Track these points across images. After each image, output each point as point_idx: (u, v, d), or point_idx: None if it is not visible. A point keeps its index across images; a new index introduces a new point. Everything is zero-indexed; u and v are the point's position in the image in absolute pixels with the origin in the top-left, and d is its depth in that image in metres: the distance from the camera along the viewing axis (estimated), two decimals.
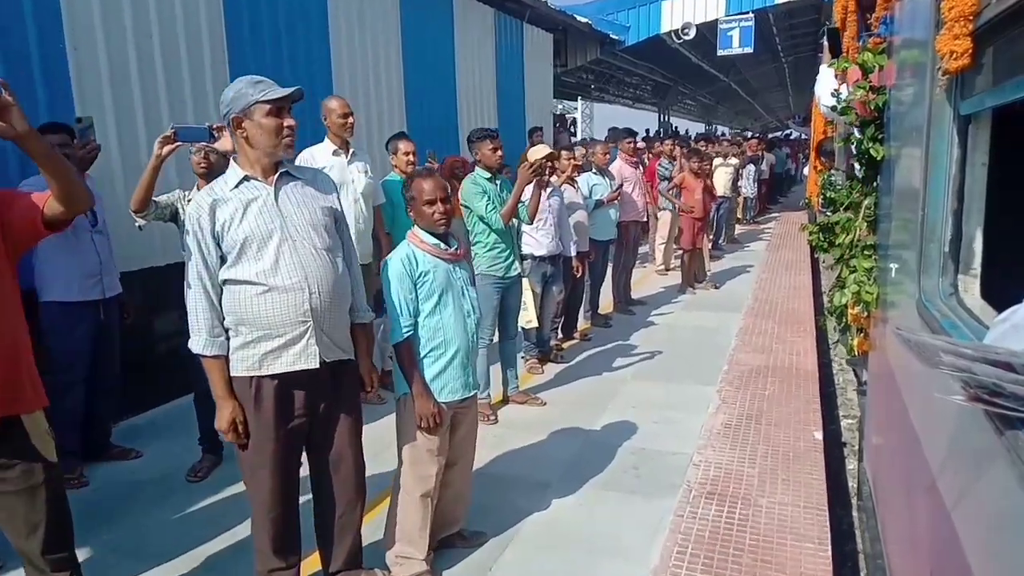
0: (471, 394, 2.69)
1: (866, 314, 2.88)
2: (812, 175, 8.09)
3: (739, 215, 13.43)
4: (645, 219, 7.66)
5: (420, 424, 2.51)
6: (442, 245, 2.61)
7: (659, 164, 9.37)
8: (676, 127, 24.69)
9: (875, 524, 2.65)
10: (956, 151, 1.63)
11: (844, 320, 3.24)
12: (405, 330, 2.51)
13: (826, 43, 3.99)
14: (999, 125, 1.63)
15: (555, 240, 5.07)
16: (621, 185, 6.51)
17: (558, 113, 17.24)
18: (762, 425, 4.20)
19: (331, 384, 2.36)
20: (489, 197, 4.16)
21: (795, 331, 6.39)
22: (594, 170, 6.45)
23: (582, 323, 6.64)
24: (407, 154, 4.82)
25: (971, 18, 1.32)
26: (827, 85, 3.70)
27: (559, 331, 6.08)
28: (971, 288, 1.64)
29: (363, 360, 2.52)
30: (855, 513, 4.06)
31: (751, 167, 13.30)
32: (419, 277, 2.52)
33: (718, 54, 14.64)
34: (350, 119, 4.31)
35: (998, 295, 1.54)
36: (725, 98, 30.25)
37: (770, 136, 22.25)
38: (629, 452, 3.90)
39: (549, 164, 4.90)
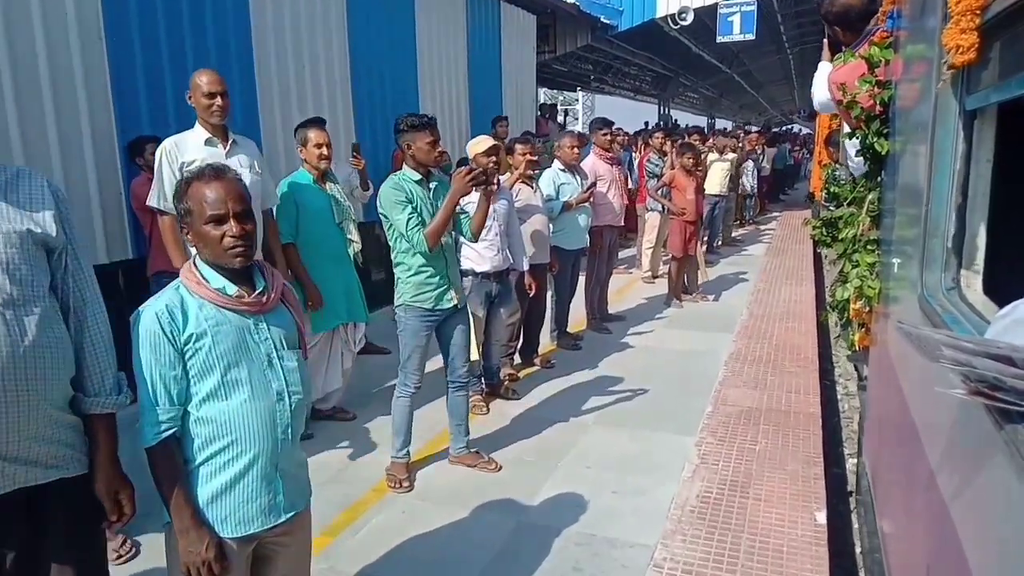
0: (288, 516, 1.82)
1: (868, 309, 2.88)
2: (816, 170, 7.82)
3: (738, 215, 12.82)
4: (623, 223, 6.89)
5: (186, 573, 1.64)
6: (232, 289, 1.70)
7: (648, 160, 8.48)
8: (676, 120, 24.36)
9: (873, 519, 2.65)
10: (961, 146, 1.63)
11: (846, 315, 3.25)
12: (163, 427, 1.62)
13: (825, 40, 3.97)
14: (1005, 121, 1.62)
15: (501, 253, 4.28)
16: (593, 184, 5.66)
17: (549, 103, 16.68)
18: (749, 499, 3.38)
19: (26, 525, 1.52)
20: (415, 208, 3.29)
21: (794, 359, 5.52)
22: (561, 167, 5.56)
23: (547, 345, 5.80)
24: (319, 146, 4.03)
25: (979, 12, 1.32)
26: (822, 82, 3.70)
27: (516, 357, 5.30)
28: (973, 284, 1.64)
29: (102, 471, 1.65)
30: (852, 508, 4.08)
31: (750, 163, 12.70)
32: (189, 342, 1.63)
33: (717, 41, 13.78)
34: (218, 100, 3.41)
35: (1001, 291, 1.54)
36: (728, 91, 29.98)
37: (772, 131, 21.89)
38: (573, 541, 3.06)
39: (493, 163, 4.09)
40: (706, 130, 17.19)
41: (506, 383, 4.93)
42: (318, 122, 4.20)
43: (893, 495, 2.16)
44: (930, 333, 1.08)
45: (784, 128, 31.23)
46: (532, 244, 4.93)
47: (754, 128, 19.61)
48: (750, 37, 13.29)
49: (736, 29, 13.22)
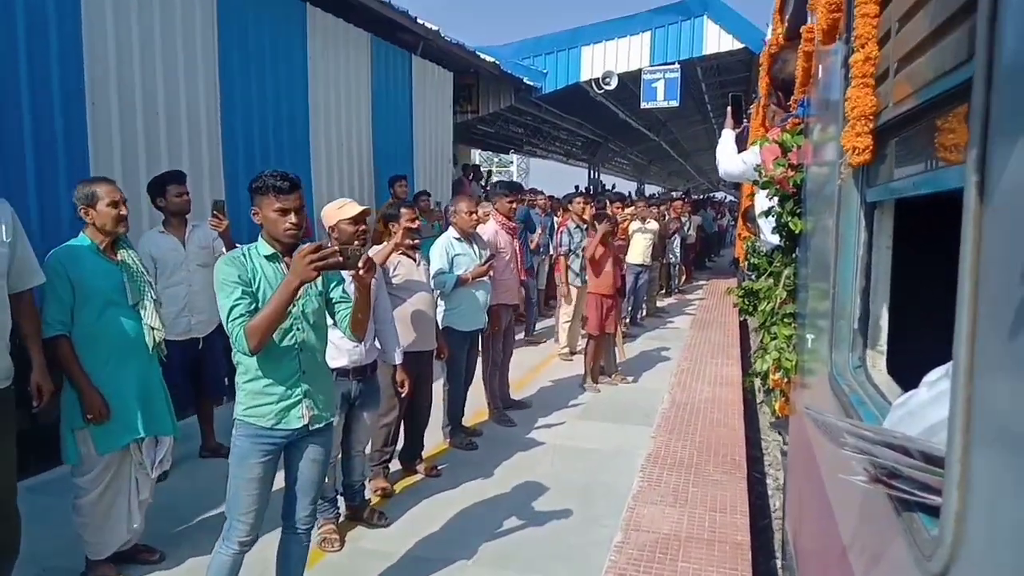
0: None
1: (786, 380, 2.99)
2: (739, 240, 8.09)
3: (664, 283, 12.67)
4: (518, 302, 6.25)
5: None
6: None
7: (566, 227, 7.56)
8: (606, 186, 24.94)
9: None
10: (863, 234, 1.74)
11: (767, 384, 3.36)
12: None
13: (729, 109, 4.23)
14: (904, 206, 1.75)
15: (362, 345, 3.47)
16: (493, 256, 5.09)
17: (474, 164, 16.72)
18: None
19: None
20: (253, 292, 2.53)
21: (720, 462, 4.91)
22: (456, 235, 4.91)
23: (438, 444, 5.06)
24: (114, 204, 3.22)
25: (872, 117, 1.44)
26: (727, 150, 3.92)
27: (391, 464, 4.41)
28: (878, 363, 1.73)
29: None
30: (780, 571, 4.14)
31: (676, 238, 12.72)
32: None
33: (641, 106, 13.70)
34: None
35: (906, 369, 1.64)
36: (657, 158, 31.19)
37: (694, 197, 22.62)
38: None
39: (361, 234, 3.42)
40: (635, 195, 17.54)
41: (372, 505, 4.04)
42: (106, 181, 3.33)
43: (811, 565, 2.21)
44: (834, 421, 1.14)
45: (707, 195, 32.57)
46: (413, 329, 4.24)
47: (677, 194, 20.10)
48: (674, 104, 13.32)
49: (660, 95, 13.26)
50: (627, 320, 9.36)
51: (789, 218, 2.92)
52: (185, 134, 5.86)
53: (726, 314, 10.90)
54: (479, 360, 5.53)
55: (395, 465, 4.57)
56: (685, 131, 24.35)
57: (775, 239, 3.14)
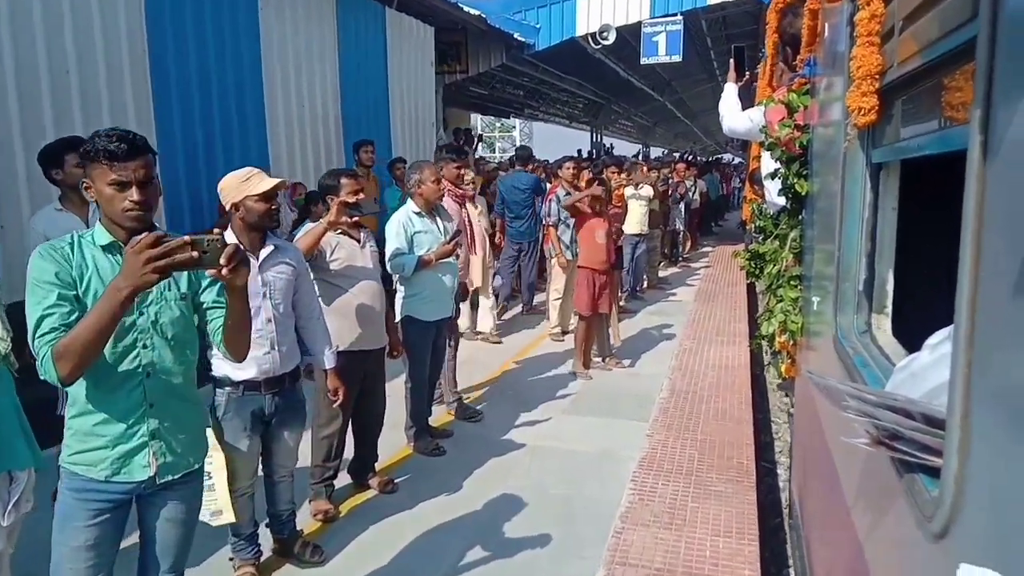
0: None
1: (792, 342, 2.99)
2: (746, 203, 7.89)
3: (668, 251, 11.88)
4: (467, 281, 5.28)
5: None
6: None
7: (555, 195, 6.71)
8: (611, 146, 24.32)
9: (801, 546, 2.74)
10: (869, 196, 1.73)
11: (773, 346, 3.36)
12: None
13: (732, 61, 4.16)
14: (909, 168, 1.73)
15: (277, 348, 2.85)
16: (459, 233, 4.42)
17: (465, 127, 15.76)
18: None
19: None
20: (75, 297, 1.86)
21: (725, 469, 4.10)
22: (416, 209, 4.21)
23: (398, 451, 4.40)
24: None
25: (877, 77, 1.41)
26: (731, 105, 3.87)
27: (336, 480, 3.75)
28: (883, 326, 1.73)
29: None
30: (787, 531, 4.19)
31: (681, 203, 11.90)
32: None
33: (641, 62, 12.68)
34: None
35: (911, 332, 1.64)
36: (663, 119, 30.60)
37: (699, 160, 21.64)
38: None
39: (269, 214, 2.82)
40: (640, 158, 16.81)
41: (305, 536, 3.32)
42: None
43: (816, 525, 2.24)
44: (836, 384, 1.14)
45: (714, 157, 31.94)
46: (357, 324, 3.55)
47: (678, 156, 19.15)
48: (676, 58, 12.28)
49: (661, 50, 12.19)
50: (626, 293, 8.85)
51: (795, 180, 2.89)
52: (105, 99, 5.05)
53: (733, 283, 10.28)
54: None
55: (344, 479, 3.89)
56: (690, 90, 23.45)
57: (780, 201, 3.12)
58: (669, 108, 25.31)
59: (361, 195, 3.57)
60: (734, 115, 3.80)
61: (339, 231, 3.50)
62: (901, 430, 0.99)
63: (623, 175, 8.31)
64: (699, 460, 4.28)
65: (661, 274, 10.86)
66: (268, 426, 2.94)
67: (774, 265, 3.20)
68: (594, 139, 25.02)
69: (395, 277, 4.23)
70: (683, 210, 12.14)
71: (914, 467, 1.00)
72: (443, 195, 4.47)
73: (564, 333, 7.14)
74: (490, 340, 6.94)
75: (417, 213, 4.20)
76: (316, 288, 3.33)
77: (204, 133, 6.03)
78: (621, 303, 8.07)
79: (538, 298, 8.31)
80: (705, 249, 14.60)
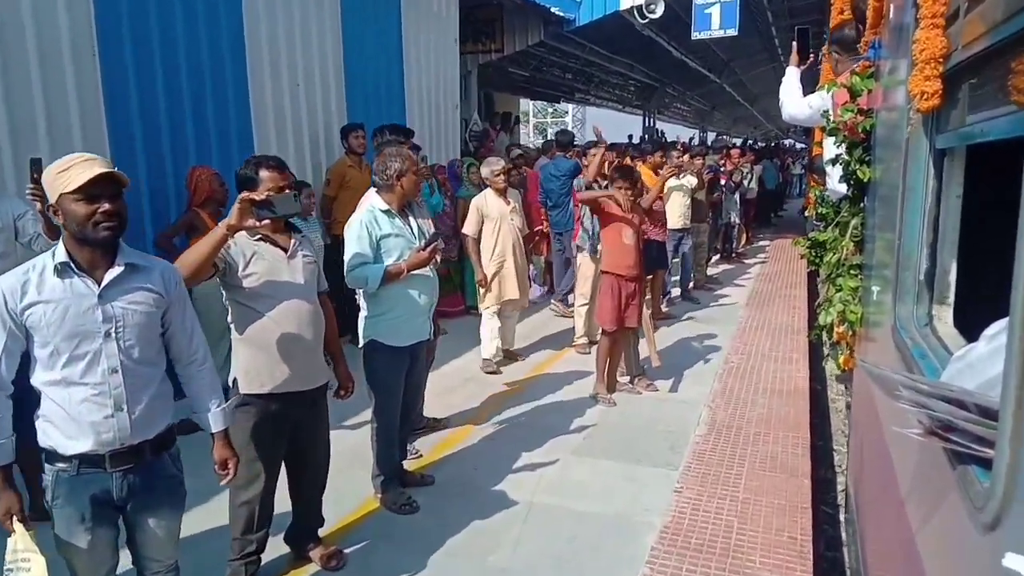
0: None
1: (852, 332, 2.93)
2: (809, 189, 7.56)
3: (720, 246, 10.91)
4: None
5: None
6: None
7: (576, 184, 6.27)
8: (663, 132, 23.11)
9: (856, 538, 2.70)
10: (932, 183, 1.69)
11: (832, 337, 3.30)
12: None
13: (795, 43, 4.02)
14: (975, 156, 1.68)
15: (123, 414, 2.01)
16: (436, 237, 3.42)
17: (503, 112, 14.33)
18: None
19: None
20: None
21: (773, 543, 3.18)
22: (384, 206, 3.34)
23: (365, 501, 3.57)
24: None
25: (941, 60, 1.38)
26: (791, 90, 3.76)
27: (263, 553, 2.92)
28: (944, 316, 1.69)
29: None
30: (843, 525, 4.12)
31: (735, 192, 10.75)
32: None
33: (693, 37, 11.31)
34: None
35: (974, 324, 1.60)
36: (720, 103, 29.59)
37: (758, 145, 20.35)
38: None
39: (103, 216, 1.94)
40: (692, 143, 15.99)
41: None
42: None
43: (870, 518, 2.20)
44: (889, 373, 1.13)
45: (774, 143, 30.58)
46: (279, 359, 2.68)
47: (734, 143, 17.33)
48: (732, 32, 10.92)
49: (715, 23, 10.81)
50: (667, 297, 7.87)
51: (857, 166, 2.82)
52: (35, 70, 4.06)
53: (792, 284, 9.11)
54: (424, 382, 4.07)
55: (280, 548, 3.08)
56: (750, 72, 22.04)
57: (842, 188, 3.05)
58: (727, 91, 23.92)
59: (283, 191, 2.62)
60: (795, 101, 3.70)
61: (257, 237, 2.62)
62: (955, 421, 0.98)
63: (647, 161, 7.50)
64: (739, 531, 3.29)
65: (711, 271, 9.76)
66: (123, 512, 2.12)
67: (834, 253, 3.13)
68: (646, 124, 23.80)
69: (359, 293, 3.42)
70: (738, 200, 11.06)
71: (967, 458, 0.98)
72: (418, 189, 3.56)
73: (591, 344, 6.07)
74: (488, 368, 5.59)
75: (386, 211, 3.29)
76: (230, 312, 2.70)
77: (171, 120, 4.94)
78: (664, 307, 7.36)
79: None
80: (762, 243, 13.37)
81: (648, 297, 6.19)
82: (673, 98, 25.67)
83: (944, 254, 1.68)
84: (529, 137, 12.49)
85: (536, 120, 39.30)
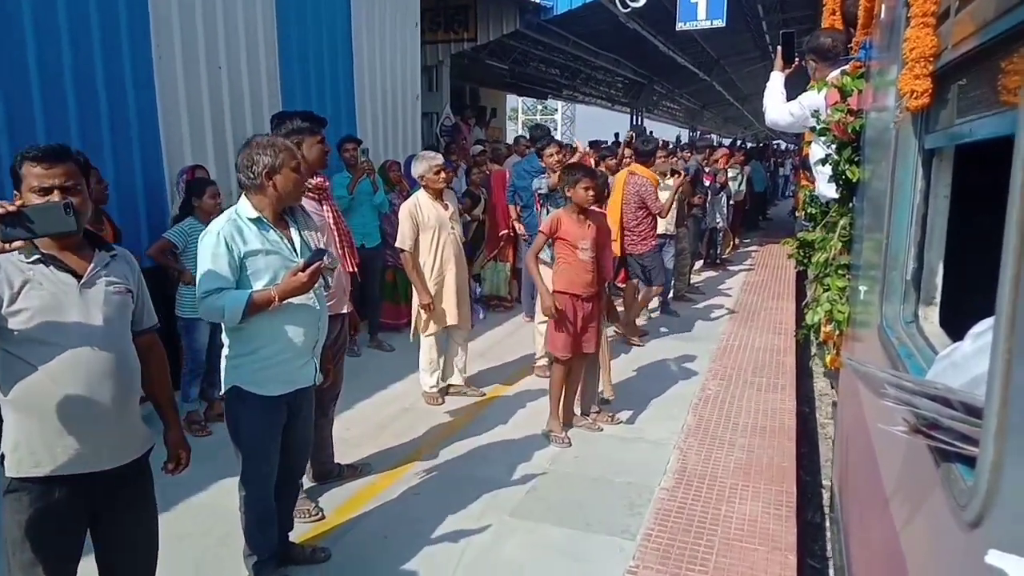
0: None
1: (838, 332, 2.94)
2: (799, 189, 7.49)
3: (703, 251, 10.16)
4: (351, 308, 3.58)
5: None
6: None
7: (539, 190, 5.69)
8: (651, 132, 22.55)
9: (841, 537, 2.71)
10: (920, 183, 1.69)
11: (819, 337, 3.31)
12: None
13: (780, 48, 4.00)
14: (963, 156, 1.68)
15: None
16: (321, 253, 2.62)
17: (478, 105, 13.78)
18: None
19: None
20: None
21: None
22: (251, 213, 2.54)
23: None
24: None
25: (931, 59, 1.38)
26: (774, 95, 3.76)
27: None
28: (931, 316, 1.70)
29: None
30: (827, 523, 4.14)
31: (721, 194, 10.04)
32: None
33: (677, 28, 10.64)
34: None
35: (961, 324, 1.60)
36: (711, 102, 29.33)
37: (746, 145, 19.81)
38: None
39: None
40: (682, 143, 15.22)
41: None
42: None
43: (855, 515, 2.21)
44: (875, 371, 1.13)
45: (765, 143, 30.29)
46: (63, 429, 1.92)
47: (716, 142, 16.22)
48: (719, 23, 10.29)
49: (701, 13, 10.28)
50: (662, 306, 7.37)
51: (846, 166, 2.83)
52: None
53: (779, 294, 8.48)
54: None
55: None
56: (741, 70, 21.42)
57: (830, 190, 3.05)
58: (717, 89, 23.44)
59: (54, 198, 1.84)
60: (777, 107, 3.69)
61: (34, 257, 1.88)
62: (939, 418, 0.98)
63: (606, 161, 7.00)
64: None
65: (694, 279, 9.09)
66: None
67: (822, 253, 3.14)
68: (634, 121, 22.97)
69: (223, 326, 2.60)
70: (724, 203, 10.38)
71: (951, 456, 0.99)
72: (305, 191, 2.88)
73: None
74: (427, 399, 4.80)
75: (256, 220, 2.50)
76: None
77: (45, 101, 4.11)
78: (640, 320, 6.71)
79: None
80: (749, 248, 12.62)
81: (620, 309, 5.92)
82: (662, 96, 25.24)
83: (931, 254, 1.68)
84: (518, 133, 12.12)
85: (525, 117, 39.16)
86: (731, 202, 11.12)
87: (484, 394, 4.96)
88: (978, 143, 1.36)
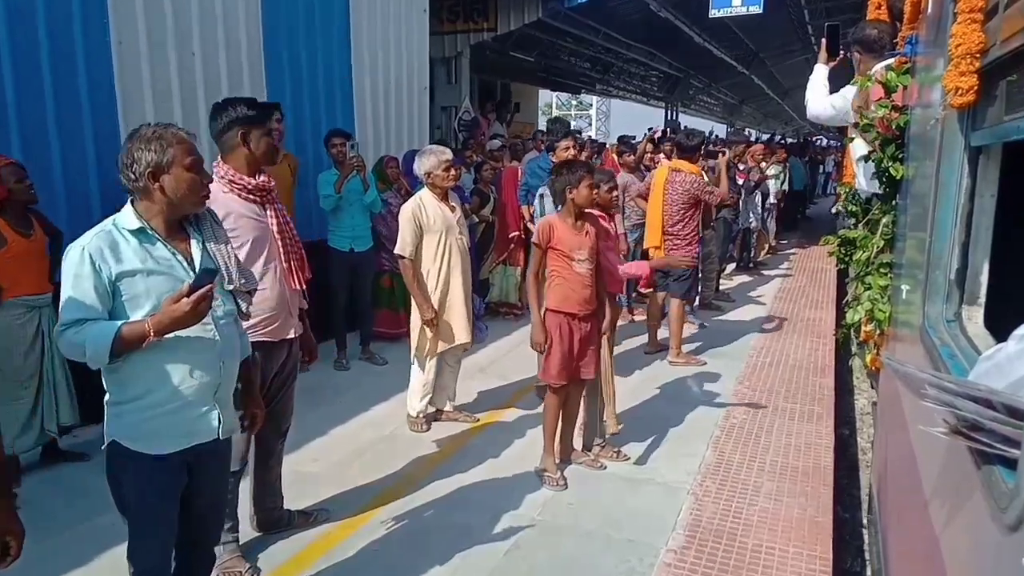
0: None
1: (879, 332, 2.89)
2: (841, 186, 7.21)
3: (734, 254, 9.42)
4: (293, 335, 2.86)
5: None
6: None
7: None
8: (685, 126, 21.11)
9: (879, 540, 2.67)
10: (965, 181, 1.66)
11: (858, 336, 3.26)
12: None
13: (824, 40, 3.92)
14: (1012, 156, 1.65)
15: None
16: (212, 273, 2.05)
17: (496, 99, 13.14)
18: None
19: None
20: None
21: None
22: (133, 224, 1.99)
23: None
24: None
25: (978, 56, 1.35)
26: (818, 89, 3.69)
27: None
28: (974, 316, 1.67)
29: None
30: (864, 528, 4.08)
31: (755, 193, 9.36)
32: None
33: (711, 15, 10.12)
34: None
35: (1006, 324, 1.57)
36: (750, 96, 28.59)
37: (786, 142, 18.12)
38: None
39: None
40: (723, 137, 14.51)
41: None
42: None
43: (894, 518, 2.18)
44: (915, 371, 1.12)
45: (806, 139, 29.24)
46: None
47: (754, 137, 15.40)
48: (756, 10, 9.75)
49: (737, 1, 9.78)
50: (692, 310, 6.58)
51: (890, 163, 2.78)
52: None
53: (817, 302, 7.70)
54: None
55: None
56: (781, 63, 20.43)
57: (872, 186, 3.01)
58: (757, 84, 22.42)
59: None
60: (819, 100, 3.63)
61: None
62: (981, 420, 0.98)
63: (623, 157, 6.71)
64: None
65: (725, 284, 8.38)
66: None
67: (863, 252, 3.10)
68: (669, 116, 22.24)
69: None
70: (759, 204, 9.61)
71: (992, 458, 0.98)
72: (205, 197, 2.10)
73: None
74: (411, 425, 4.26)
75: (138, 231, 1.97)
76: None
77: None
78: (662, 330, 5.93)
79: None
80: (788, 251, 11.64)
81: (645, 319, 5.74)
82: (699, 90, 24.46)
83: (976, 254, 1.65)
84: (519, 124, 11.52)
85: (560, 112, 39.00)
86: (770, 202, 10.40)
87: (477, 420, 4.37)
88: None
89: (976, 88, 1.37)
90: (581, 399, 3.81)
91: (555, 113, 38.55)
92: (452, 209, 4.09)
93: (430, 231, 3.97)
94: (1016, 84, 1.36)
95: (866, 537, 3.92)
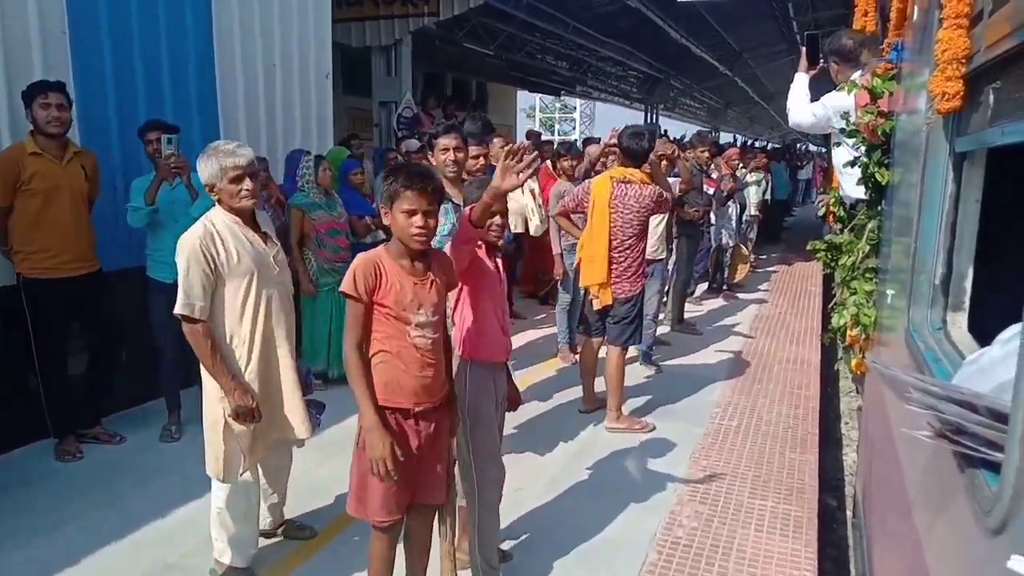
0: None
1: (864, 336, 2.91)
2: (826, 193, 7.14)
3: (707, 271, 8.25)
4: None
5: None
6: None
7: (554, 190, 5.44)
8: (664, 130, 18.66)
9: (863, 544, 2.68)
10: (950, 187, 1.67)
11: (844, 340, 3.28)
12: None
13: (804, 49, 3.95)
14: (995, 161, 1.66)
15: None
16: None
17: (447, 96, 12.30)
18: None
19: None
20: None
21: None
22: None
23: None
24: None
25: (964, 61, 1.36)
26: (798, 97, 3.71)
27: None
28: (958, 321, 1.68)
29: None
30: (849, 531, 4.09)
31: (729, 205, 8.01)
32: None
33: None
34: None
35: (990, 329, 1.58)
36: (734, 100, 28.06)
37: (768, 147, 17.49)
38: None
39: None
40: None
41: None
42: None
43: (877, 521, 2.19)
44: (901, 374, 1.13)
45: (790, 145, 28.45)
46: None
47: (721, 141, 14.07)
48: None
49: None
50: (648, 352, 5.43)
51: (876, 169, 2.80)
52: None
53: (799, 334, 6.62)
54: None
55: None
56: (766, 65, 18.95)
57: (857, 192, 3.02)
58: (740, 86, 21.61)
59: None
60: (800, 107, 3.66)
61: None
62: (964, 424, 0.98)
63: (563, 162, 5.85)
64: None
65: (692, 312, 7.16)
66: None
67: (849, 257, 3.11)
68: (648, 119, 20.56)
69: None
70: (733, 218, 8.29)
71: (976, 462, 0.98)
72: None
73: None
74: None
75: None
76: None
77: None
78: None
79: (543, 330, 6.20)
80: (770, 267, 10.30)
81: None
82: (680, 92, 23.52)
83: (961, 259, 1.66)
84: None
85: (543, 115, 38.62)
86: (750, 214, 9.20)
87: (315, 533, 3.01)
88: (1010, 146, 1.34)
89: (962, 93, 1.38)
90: (432, 528, 2.41)
91: (539, 115, 38.04)
92: (264, 238, 2.66)
93: (232, 274, 2.52)
94: (1001, 90, 1.37)
95: (850, 540, 3.94)
